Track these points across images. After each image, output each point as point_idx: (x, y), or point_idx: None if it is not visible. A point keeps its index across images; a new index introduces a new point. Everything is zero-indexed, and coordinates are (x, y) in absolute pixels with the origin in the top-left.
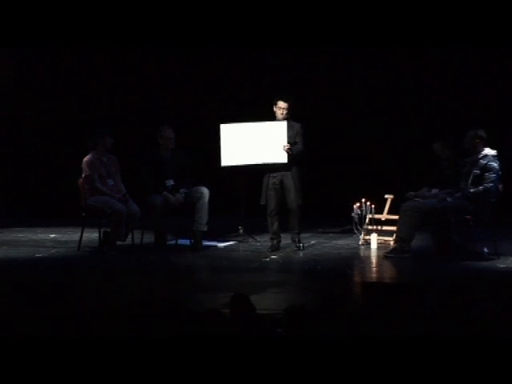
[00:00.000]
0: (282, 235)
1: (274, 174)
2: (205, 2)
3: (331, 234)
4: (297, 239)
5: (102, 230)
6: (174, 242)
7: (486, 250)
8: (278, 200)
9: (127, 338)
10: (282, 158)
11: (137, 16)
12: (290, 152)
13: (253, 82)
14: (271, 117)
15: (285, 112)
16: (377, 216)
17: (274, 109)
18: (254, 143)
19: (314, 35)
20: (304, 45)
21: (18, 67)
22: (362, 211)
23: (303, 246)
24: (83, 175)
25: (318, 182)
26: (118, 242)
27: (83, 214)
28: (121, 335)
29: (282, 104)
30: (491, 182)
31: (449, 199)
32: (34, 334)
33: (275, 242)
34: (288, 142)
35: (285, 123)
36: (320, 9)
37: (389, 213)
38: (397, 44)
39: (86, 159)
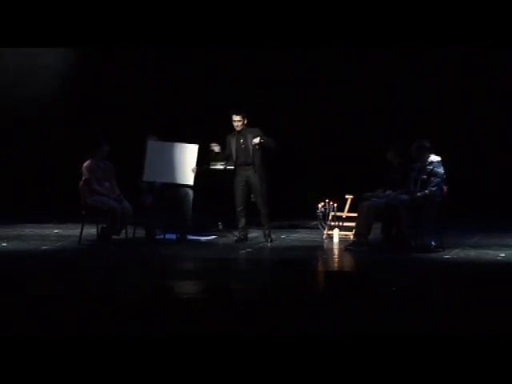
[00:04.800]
0: (255, 230)
1: (240, 174)
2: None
3: (299, 229)
4: (267, 233)
5: (99, 226)
6: (162, 236)
7: (433, 242)
8: (243, 198)
9: (126, 337)
10: (188, 180)
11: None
12: (194, 172)
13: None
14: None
15: (239, 124)
16: (338, 213)
17: (235, 123)
18: (171, 162)
19: (270, 37)
20: (256, 45)
21: (20, 69)
22: (325, 209)
23: (271, 240)
24: (83, 178)
25: (288, 183)
26: (114, 236)
27: (83, 212)
28: (118, 330)
29: (235, 117)
30: (436, 185)
31: (401, 198)
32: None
33: (242, 235)
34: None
35: (196, 147)
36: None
37: (349, 211)
38: (357, 48)
39: (85, 164)
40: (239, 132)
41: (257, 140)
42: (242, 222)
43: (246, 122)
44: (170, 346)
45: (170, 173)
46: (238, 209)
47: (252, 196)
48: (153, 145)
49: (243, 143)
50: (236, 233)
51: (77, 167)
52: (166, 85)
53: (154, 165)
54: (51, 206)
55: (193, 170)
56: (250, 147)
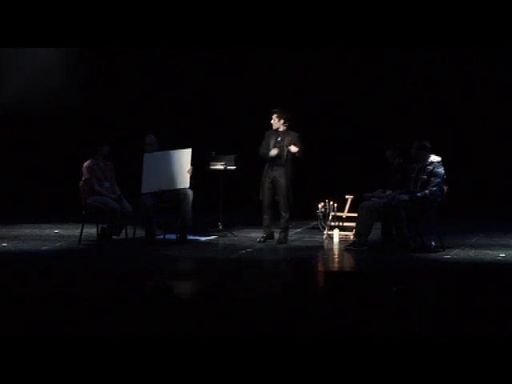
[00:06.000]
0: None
1: (268, 175)
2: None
3: (299, 229)
4: (282, 235)
5: (99, 226)
6: (162, 236)
7: (433, 243)
8: (271, 197)
9: (125, 337)
10: (185, 184)
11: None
12: (190, 173)
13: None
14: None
15: (280, 124)
16: (338, 214)
17: (272, 121)
18: (168, 171)
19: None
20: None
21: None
22: (325, 210)
23: (281, 241)
24: (83, 178)
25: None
26: (114, 236)
27: (83, 212)
28: (118, 332)
29: (274, 117)
30: (436, 185)
31: (401, 198)
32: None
33: (266, 234)
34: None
35: (189, 151)
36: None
37: (349, 211)
38: (356, 47)
39: (85, 164)
40: (279, 131)
41: (295, 149)
42: (267, 221)
43: (287, 124)
44: (170, 346)
45: (169, 180)
46: (266, 208)
47: (276, 196)
48: (148, 157)
49: (281, 143)
50: (236, 233)
51: (77, 167)
52: (165, 85)
53: (152, 176)
54: (51, 206)
55: (189, 172)
56: (285, 149)
